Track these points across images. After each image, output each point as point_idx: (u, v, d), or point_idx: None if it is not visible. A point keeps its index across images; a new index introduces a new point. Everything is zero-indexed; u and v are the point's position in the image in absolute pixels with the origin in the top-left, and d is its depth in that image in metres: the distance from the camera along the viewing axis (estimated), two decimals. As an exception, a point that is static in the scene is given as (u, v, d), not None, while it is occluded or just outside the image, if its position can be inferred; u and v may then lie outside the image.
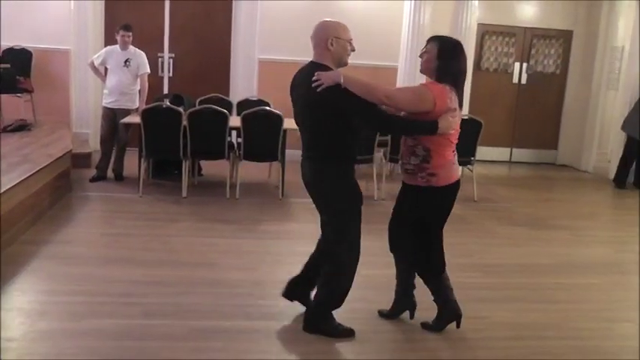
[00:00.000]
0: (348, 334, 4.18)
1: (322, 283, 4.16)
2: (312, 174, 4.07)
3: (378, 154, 8.10)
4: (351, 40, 4.00)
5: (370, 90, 3.83)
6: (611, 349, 4.24)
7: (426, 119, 3.86)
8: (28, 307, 4.45)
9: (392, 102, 3.85)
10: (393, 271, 4.39)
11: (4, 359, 3.68)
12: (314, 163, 4.05)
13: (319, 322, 4.17)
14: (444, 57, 3.95)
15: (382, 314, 4.48)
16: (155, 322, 4.22)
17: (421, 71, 4.11)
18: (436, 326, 4.32)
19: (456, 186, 4.11)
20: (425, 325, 4.35)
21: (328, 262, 4.13)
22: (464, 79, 4.07)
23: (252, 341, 4.06)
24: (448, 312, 4.29)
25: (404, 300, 4.41)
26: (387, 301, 4.49)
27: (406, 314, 4.44)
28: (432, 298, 4.31)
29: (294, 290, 4.41)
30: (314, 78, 3.79)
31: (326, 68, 3.88)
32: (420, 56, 4.09)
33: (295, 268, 4.46)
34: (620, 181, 9.75)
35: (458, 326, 4.28)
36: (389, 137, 7.80)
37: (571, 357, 4.09)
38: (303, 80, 3.92)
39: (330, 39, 3.91)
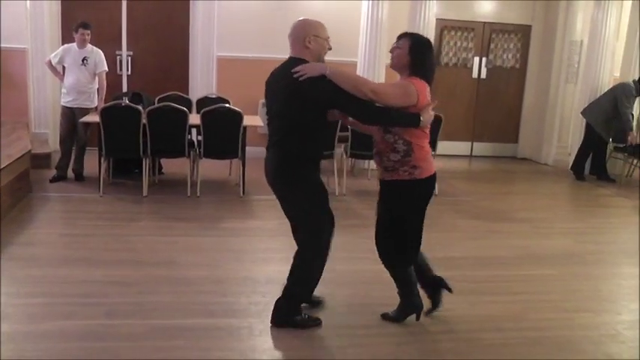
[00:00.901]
0: (316, 323, 4.25)
1: (294, 277, 4.19)
2: (276, 169, 4.12)
3: (339, 149, 8.12)
4: (328, 38, 4.07)
5: (356, 84, 3.87)
6: (571, 339, 4.31)
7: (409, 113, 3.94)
8: (-11, 310, 4.41)
9: (378, 97, 3.86)
10: (350, 265, 4.40)
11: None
12: (279, 158, 4.09)
13: (289, 315, 4.21)
14: (417, 53, 4.01)
15: (386, 317, 4.47)
16: (117, 322, 4.19)
17: (391, 66, 4.15)
18: (396, 317, 4.38)
19: (434, 177, 4.19)
20: (385, 316, 4.41)
21: (299, 257, 4.18)
22: (433, 75, 4.12)
23: (215, 339, 4.05)
24: (411, 305, 4.35)
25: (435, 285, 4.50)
26: (346, 295, 4.51)
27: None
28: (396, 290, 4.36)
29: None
30: (297, 69, 3.84)
31: (307, 62, 3.94)
32: (391, 51, 4.13)
33: (256, 266, 4.48)
34: (578, 171, 9.92)
35: (417, 319, 4.36)
36: (349, 133, 7.81)
37: (531, 348, 4.15)
38: (284, 73, 3.96)
39: (309, 37, 3.98)
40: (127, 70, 10.06)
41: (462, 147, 11.72)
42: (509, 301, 4.92)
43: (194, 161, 7.89)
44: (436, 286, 4.47)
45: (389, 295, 4.79)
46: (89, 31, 7.94)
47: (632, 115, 9.60)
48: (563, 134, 11.40)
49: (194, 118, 7.68)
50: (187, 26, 10.13)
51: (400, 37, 4.13)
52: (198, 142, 7.83)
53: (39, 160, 8.32)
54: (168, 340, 4.00)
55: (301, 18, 4.14)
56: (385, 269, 4.33)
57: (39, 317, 4.23)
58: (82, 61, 7.93)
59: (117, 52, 9.90)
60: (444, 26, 11.15)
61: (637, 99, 9.65)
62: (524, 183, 10.11)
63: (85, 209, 6.95)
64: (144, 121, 7.32)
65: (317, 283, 4.28)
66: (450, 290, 4.44)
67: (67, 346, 3.87)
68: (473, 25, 11.33)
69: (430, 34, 9.70)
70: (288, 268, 4.26)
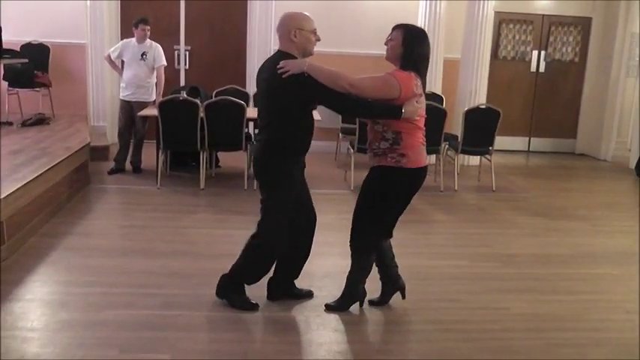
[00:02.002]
0: (252, 307, 4.32)
1: (247, 256, 4.33)
2: (261, 167, 4.23)
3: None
4: (314, 30, 4.11)
5: (334, 79, 3.90)
6: (631, 341, 4.18)
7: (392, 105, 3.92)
8: (48, 297, 4.50)
9: (357, 90, 3.89)
10: (406, 261, 4.37)
11: (28, 349, 3.72)
12: (262, 151, 4.18)
13: (228, 292, 4.37)
14: (409, 44, 3.99)
15: (373, 303, 4.47)
16: (173, 313, 4.24)
17: (386, 58, 4.13)
18: (340, 306, 4.38)
19: (423, 171, 4.12)
20: (328, 307, 4.41)
21: (258, 241, 4.28)
22: (427, 65, 4.10)
23: (271, 332, 4.08)
24: (356, 293, 4.37)
25: (391, 283, 4.45)
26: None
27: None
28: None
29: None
30: (279, 65, 3.90)
31: (292, 57, 4.01)
32: (386, 44, 4.12)
33: (313, 259, 4.46)
34: None
35: (361, 306, 4.41)
36: (357, 126, 7.71)
37: (590, 349, 4.06)
38: (269, 67, 4.04)
39: (293, 31, 4.03)
40: (185, 64, 10.17)
41: (519, 142, 11.52)
42: (568, 300, 4.81)
43: (251, 155, 7.91)
44: (394, 287, 4.45)
45: (446, 290, 4.76)
46: (149, 27, 8.04)
47: None
48: (622, 130, 11.13)
49: (251, 112, 7.71)
50: (245, 22, 10.17)
51: (394, 28, 4.11)
52: (255, 135, 7.86)
53: (97, 153, 8.48)
54: (224, 331, 4.03)
55: (286, 12, 4.20)
56: (425, 264, 4.29)
57: (98, 306, 4.31)
58: (141, 55, 8.04)
59: (175, 47, 10.01)
60: (502, 19, 10.95)
61: None
62: (583, 180, 9.87)
63: (143, 201, 7.04)
64: (201, 114, 7.38)
65: (265, 274, 4.39)
66: (403, 297, 4.45)
67: (125, 335, 3.92)
68: (531, 17, 11.10)
69: (488, 27, 9.55)
70: (345, 262, 4.25)
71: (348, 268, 4.31)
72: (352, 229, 4.24)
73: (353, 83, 3.88)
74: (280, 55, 4.04)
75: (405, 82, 3.90)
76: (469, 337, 4.11)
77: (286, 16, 4.14)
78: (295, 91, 3.94)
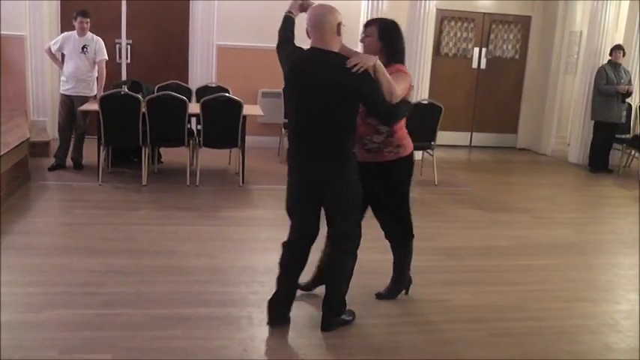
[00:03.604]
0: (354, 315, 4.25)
1: (342, 276, 4.07)
2: (330, 175, 3.82)
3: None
4: None
5: (391, 86, 3.68)
6: (570, 329, 4.32)
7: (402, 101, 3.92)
8: (-15, 298, 4.40)
9: (395, 99, 3.73)
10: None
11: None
12: (332, 163, 3.80)
13: (341, 315, 4.14)
14: (388, 37, 4.03)
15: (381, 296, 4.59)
16: (115, 312, 4.18)
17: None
18: (391, 294, 4.56)
19: (413, 154, 4.36)
20: (380, 296, 4.57)
21: (346, 256, 4.02)
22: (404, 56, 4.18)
23: (214, 328, 4.04)
24: (405, 279, 4.58)
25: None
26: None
27: None
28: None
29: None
30: (353, 61, 3.59)
31: (342, 56, 3.72)
32: (362, 41, 4.13)
33: (256, 255, 4.45)
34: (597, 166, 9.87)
35: (407, 292, 4.62)
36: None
37: (531, 337, 4.15)
38: (331, 68, 3.68)
39: (339, 25, 3.75)
40: (127, 58, 10.00)
41: (461, 137, 11.68)
42: (509, 290, 4.92)
43: (193, 150, 7.86)
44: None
45: (386, 284, 4.80)
46: (88, 19, 7.89)
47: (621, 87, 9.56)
48: (562, 125, 11.38)
49: (194, 107, 7.65)
50: (187, 15, 10.06)
51: (367, 25, 4.15)
52: (198, 131, 7.80)
53: (38, 149, 8.29)
54: (167, 329, 3.99)
55: (322, 3, 3.90)
56: (367, 258, 4.32)
57: (37, 306, 4.22)
58: (82, 49, 7.89)
59: (116, 41, 9.84)
60: (444, 16, 11.09)
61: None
62: (524, 173, 10.10)
63: (84, 198, 6.93)
64: (143, 109, 7.29)
65: None
66: (406, 294, 4.66)
67: (65, 336, 3.85)
68: (473, 15, 11.28)
69: (430, 24, 9.66)
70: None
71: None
72: (393, 229, 4.44)
73: (397, 94, 3.72)
74: (332, 54, 3.71)
75: (410, 76, 4.03)
76: (411, 330, 4.17)
77: (329, 8, 3.80)
78: (359, 91, 3.68)
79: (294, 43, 3.98)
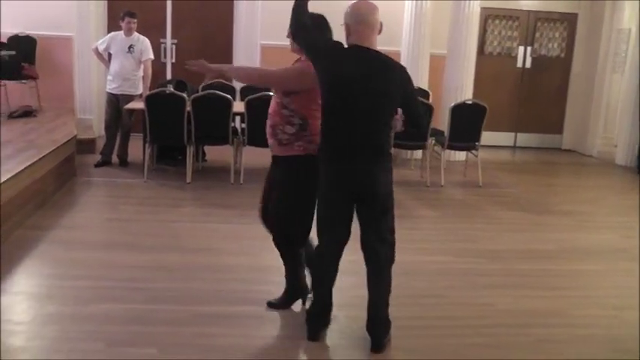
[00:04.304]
0: None
1: (388, 291, 3.91)
2: (379, 176, 3.73)
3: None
4: None
5: None
6: (617, 337, 4.22)
7: None
8: (35, 290, 4.51)
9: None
10: (397, 257, 4.33)
11: (15, 342, 3.72)
12: (375, 164, 3.72)
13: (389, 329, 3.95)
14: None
15: (271, 304, 4.32)
16: (159, 307, 4.23)
17: (293, 51, 4.08)
18: (283, 303, 4.29)
19: None
20: (270, 304, 4.30)
21: (389, 259, 3.88)
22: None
23: (255, 327, 4.07)
24: (298, 289, 4.28)
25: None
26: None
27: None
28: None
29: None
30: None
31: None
32: (288, 36, 4.04)
33: (270, 255, 4.40)
34: None
35: (304, 303, 4.29)
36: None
37: (576, 345, 4.07)
38: (385, 67, 3.66)
39: (381, 24, 3.73)
40: (172, 58, 10.13)
41: (505, 138, 11.56)
42: (553, 296, 4.84)
43: (237, 149, 7.90)
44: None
45: (431, 286, 4.78)
46: (135, 20, 8.02)
47: None
48: (609, 125, 11.20)
49: (238, 106, 7.70)
50: (231, 15, 10.16)
51: None
52: (242, 129, 7.85)
53: (84, 146, 8.44)
54: (210, 326, 4.03)
55: (367, 1, 3.78)
56: (410, 260, 4.26)
57: (84, 300, 4.30)
58: (128, 48, 8.01)
59: (161, 41, 9.98)
60: (489, 15, 10.99)
61: None
62: (569, 175, 9.95)
63: (129, 194, 7.03)
64: (188, 108, 7.36)
65: None
66: (303, 304, 4.33)
67: (112, 329, 3.92)
68: (517, 13, 11.16)
69: (474, 23, 9.58)
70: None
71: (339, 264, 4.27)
72: (280, 230, 4.10)
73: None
74: (380, 53, 3.66)
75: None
76: (454, 333, 4.13)
77: (374, 6, 3.73)
78: (411, 91, 3.80)
79: (328, 35, 3.96)
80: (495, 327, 4.26)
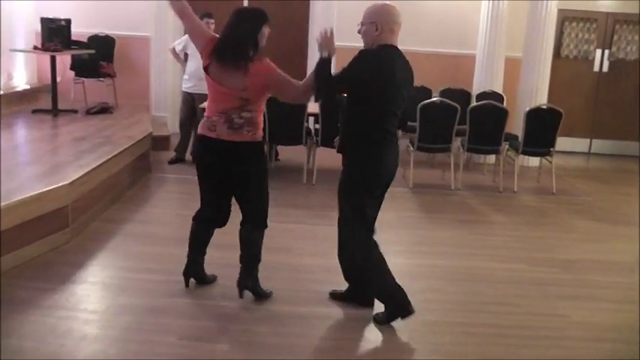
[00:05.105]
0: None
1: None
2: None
3: (456, 143, 8.00)
4: None
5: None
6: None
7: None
8: (109, 282, 4.63)
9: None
10: (463, 262, 4.30)
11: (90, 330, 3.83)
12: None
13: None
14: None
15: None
16: (232, 304, 4.28)
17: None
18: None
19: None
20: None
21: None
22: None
23: (330, 328, 4.09)
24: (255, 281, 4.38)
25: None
26: (459, 292, 4.44)
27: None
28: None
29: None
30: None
31: None
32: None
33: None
34: None
35: (241, 296, 4.33)
36: (467, 126, 7.71)
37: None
38: (406, 63, 4.03)
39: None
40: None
41: (580, 144, 11.26)
42: (630, 310, 4.66)
43: (311, 149, 7.91)
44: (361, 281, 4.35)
45: (503, 294, 4.70)
46: (213, 20, 8.13)
47: None
48: (690, 133, 10.79)
49: (312, 107, 7.72)
50: (307, 15, 10.20)
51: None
52: (316, 130, 7.86)
53: (158, 142, 8.61)
54: (285, 326, 4.05)
55: (387, 2, 4.11)
56: (482, 266, 4.19)
57: (156, 293, 4.40)
58: (205, 49, 8.12)
59: (237, 41, 10.09)
60: (566, 17, 10.73)
61: None
62: (647, 185, 9.62)
63: (201, 192, 7.11)
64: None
65: None
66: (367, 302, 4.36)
67: (184, 323, 4.01)
68: (595, 15, 10.84)
69: (551, 25, 9.37)
70: (403, 260, 4.22)
71: (406, 265, 4.27)
72: (255, 216, 4.36)
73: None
74: (400, 53, 4.03)
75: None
76: (527, 344, 4.04)
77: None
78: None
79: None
80: (569, 339, 4.14)
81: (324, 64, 4.02)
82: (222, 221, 4.45)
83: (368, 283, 4.18)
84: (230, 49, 4.09)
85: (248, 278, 4.30)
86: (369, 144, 3.98)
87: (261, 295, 4.35)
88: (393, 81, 3.92)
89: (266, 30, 4.22)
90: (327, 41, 4.02)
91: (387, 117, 3.98)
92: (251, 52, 4.07)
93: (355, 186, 4.03)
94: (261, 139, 4.20)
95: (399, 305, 4.04)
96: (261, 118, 4.20)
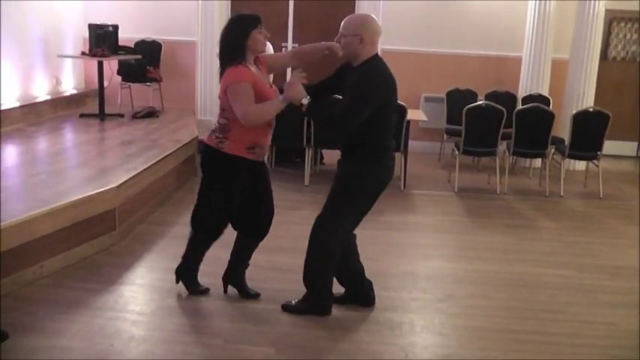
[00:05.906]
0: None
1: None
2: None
3: (501, 147, 7.92)
4: None
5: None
6: None
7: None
8: (156, 284, 4.69)
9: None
10: (509, 267, 4.24)
11: (137, 331, 3.90)
12: None
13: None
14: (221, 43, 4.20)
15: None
16: (277, 308, 4.29)
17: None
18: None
19: (244, 163, 4.18)
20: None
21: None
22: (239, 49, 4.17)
23: (375, 332, 4.07)
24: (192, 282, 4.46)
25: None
26: (505, 298, 4.39)
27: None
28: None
29: None
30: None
31: None
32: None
33: (417, 261, 4.43)
34: None
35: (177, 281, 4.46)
36: (514, 130, 7.64)
37: None
38: None
39: None
40: (294, 62, 10.28)
41: (627, 147, 11.01)
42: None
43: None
44: (357, 281, 4.39)
45: (552, 301, 4.64)
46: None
47: None
48: None
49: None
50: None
51: None
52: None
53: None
54: (329, 330, 4.06)
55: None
56: (530, 272, 4.15)
57: (202, 296, 4.45)
58: (252, 53, 8.18)
59: (282, 44, 10.13)
60: (614, 17, 10.54)
61: None
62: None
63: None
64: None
65: None
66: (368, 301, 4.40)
67: (230, 326, 4.06)
68: (644, 16, 10.64)
69: (599, 26, 9.21)
70: (448, 265, 4.19)
71: (452, 270, 4.24)
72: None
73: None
74: None
75: (243, 76, 4.03)
76: (578, 352, 3.97)
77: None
78: None
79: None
80: (619, 349, 4.05)
81: (309, 111, 4.26)
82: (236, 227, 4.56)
83: (311, 266, 4.26)
84: (219, 55, 4.17)
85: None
86: (373, 158, 4.17)
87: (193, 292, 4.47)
88: (396, 92, 4.13)
89: (258, 35, 4.20)
90: (290, 85, 4.18)
91: (390, 129, 4.14)
92: (232, 58, 4.07)
93: (353, 194, 4.24)
94: (228, 151, 4.09)
95: (320, 306, 4.21)
96: (238, 130, 4.09)
